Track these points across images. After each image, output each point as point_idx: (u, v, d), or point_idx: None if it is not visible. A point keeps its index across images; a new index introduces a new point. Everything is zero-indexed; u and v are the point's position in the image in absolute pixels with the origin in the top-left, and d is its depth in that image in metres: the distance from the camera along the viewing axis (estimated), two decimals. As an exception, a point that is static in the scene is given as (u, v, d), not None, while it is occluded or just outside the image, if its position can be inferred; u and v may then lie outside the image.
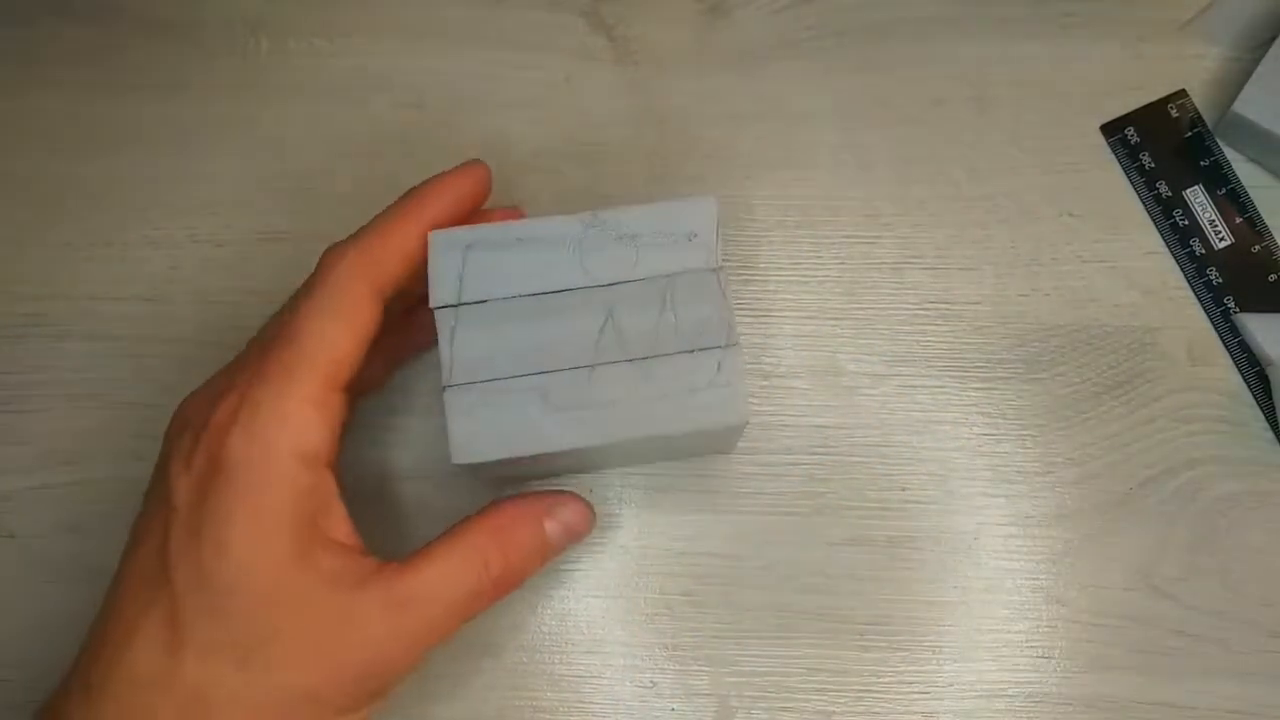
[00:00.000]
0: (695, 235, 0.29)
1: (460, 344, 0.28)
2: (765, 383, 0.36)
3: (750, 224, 0.38)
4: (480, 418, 0.28)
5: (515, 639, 0.35)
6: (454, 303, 0.28)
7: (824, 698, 0.34)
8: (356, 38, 0.40)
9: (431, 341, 0.29)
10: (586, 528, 0.31)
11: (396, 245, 0.28)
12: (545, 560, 0.30)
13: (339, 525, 0.28)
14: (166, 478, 0.27)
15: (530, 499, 0.30)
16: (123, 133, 0.39)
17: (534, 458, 0.28)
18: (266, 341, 0.27)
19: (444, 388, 0.28)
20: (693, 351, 0.28)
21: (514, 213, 0.33)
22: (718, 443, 0.33)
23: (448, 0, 0.40)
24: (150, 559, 0.26)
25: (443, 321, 0.28)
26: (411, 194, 0.30)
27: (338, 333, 0.27)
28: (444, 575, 0.28)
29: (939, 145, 0.38)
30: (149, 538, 0.27)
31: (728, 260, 0.37)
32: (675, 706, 0.34)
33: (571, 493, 0.31)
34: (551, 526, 0.30)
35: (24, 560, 0.36)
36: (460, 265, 0.29)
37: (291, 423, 0.26)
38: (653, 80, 0.39)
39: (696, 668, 0.35)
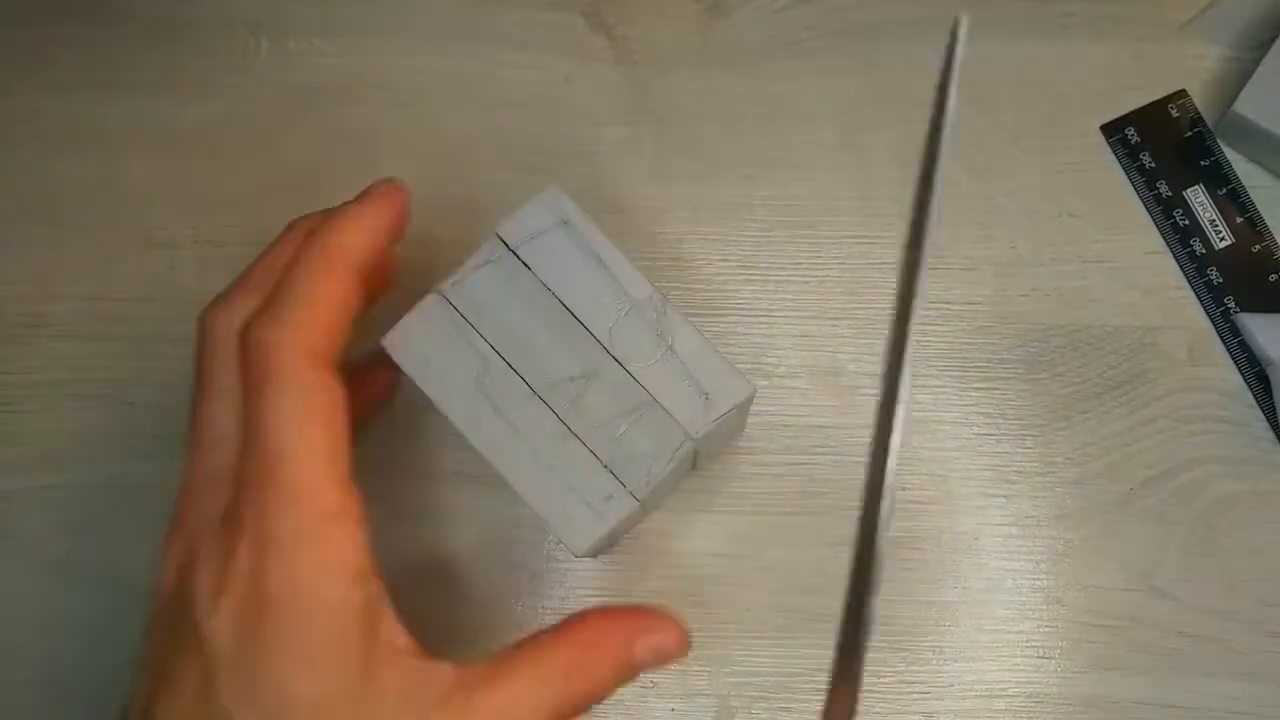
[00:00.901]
0: (709, 399, 0.28)
1: (480, 278, 0.28)
2: (766, 383, 0.36)
3: (750, 224, 0.38)
4: (430, 336, 0.28)
5: (517, 639, 0.35)
6: (510, 246, 0.28)
7: (824, 698, 0.34)
8: (356, 37, 0.40)
9: (386, 393, 0.29)
10: (679, 653, 0.28)
11: (332, 318, 0.26)
12: (627, 682, 0.27)
13: (395, 631, 0.25)
14: (194, 625, 0.24)
15: (621, 616, 0.27)
16: (122, 132, 0.39)
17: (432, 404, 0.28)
18: (246, 464, 0.25)
19: (437, 290, 0.28)
20: (605, 466, 0.28)
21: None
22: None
23: (447, 0, 0.40)
24: (194, 710, 0.24)
25: (488, 249, 0.28)
26: (321, 247, 0.26)
27: (321, 434, 0.25)
28: (524, 693, 0.25)
29: (939, 145, 0.38)
30: (182, 686, 0.24)
31: (726, 261, 0.37)
32: (675, 706, 0.35)
33: (666, 612, 0.28)
34: (641, 651, 0.27)
35: (25, 561, 0.36)
36: (542, 228, 0.28)
37: (322, 546, 0.24)
38: (653, 80, 0.39)
39: (696, 667, 0.35)
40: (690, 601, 0.35)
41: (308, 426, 0.25)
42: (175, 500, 0.27)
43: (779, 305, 0.37)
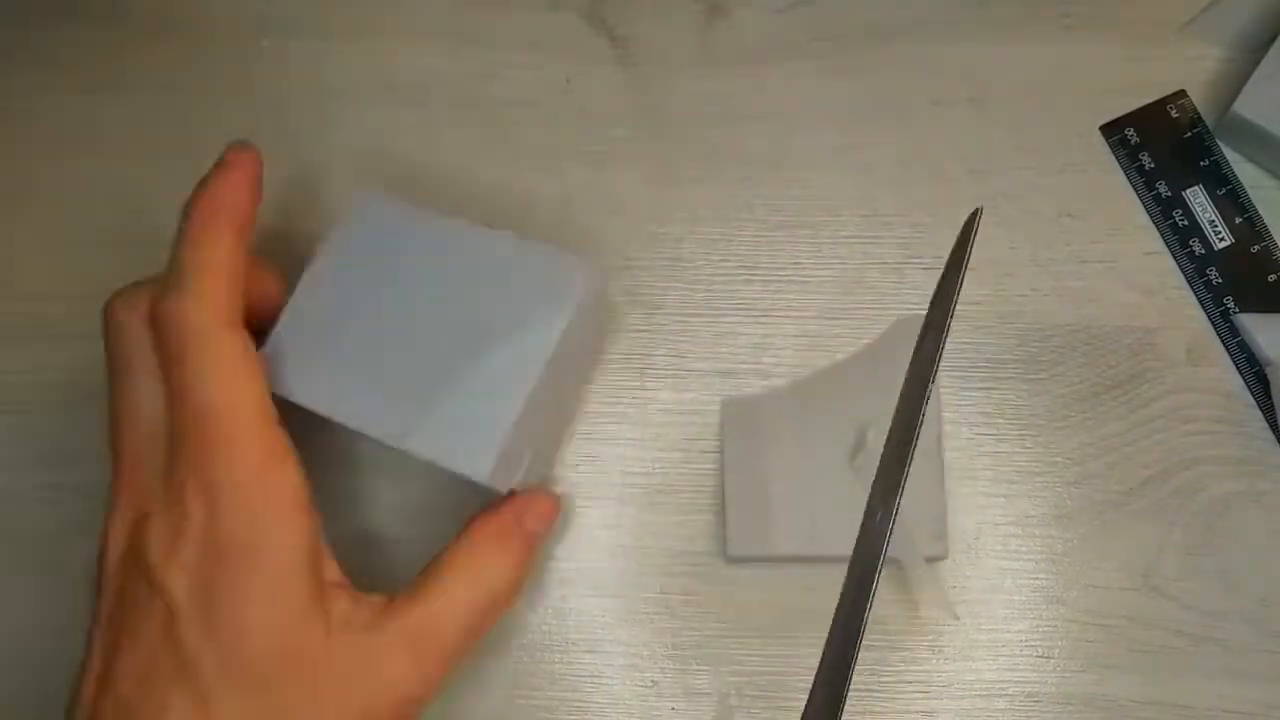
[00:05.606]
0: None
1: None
2: (765, 383, 0.37)
3: (751, 224, 0.38)
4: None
5: (516, 638, 0.35)
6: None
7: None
8: (358, 39, 0.40)
9: (276, 295, 0.31)
10: (556, 514, 0.32)
11: (229, 279, 0.28)
12: (531, 557, 0.31)
13: (331, 566, 0.28)
14: (150, 577, 0.26)
15: (503, 505, 0.31)
16: (126, 132, 0.39)
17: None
18: (181, 426, 0.27)
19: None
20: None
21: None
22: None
23: (449, 1, 0.40)
24: (156, 657, 0.26)
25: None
26: (199, 216, 0.28)
27: (245, 385, 0.27)
28: (442, 606, 0.28)
29: (938, 146, 0.38)
30: (143, 638, 0.26)
31: (726, 261, 0.37)
32: (675, 705, 0.35)
33: (535, 488, 0.31)
34: (531, 520, 0.30)
35: (28, 561, 0.36)
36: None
37: (268, 488, 0.26)
38: (653, 81, 0.39)
39: (697, 667, 0.35)
40: (690, 601, 0.35)
41: (232, 380, 0.27)
42: (113, 477, 0.28)
43: (778, 305, 0.37)
